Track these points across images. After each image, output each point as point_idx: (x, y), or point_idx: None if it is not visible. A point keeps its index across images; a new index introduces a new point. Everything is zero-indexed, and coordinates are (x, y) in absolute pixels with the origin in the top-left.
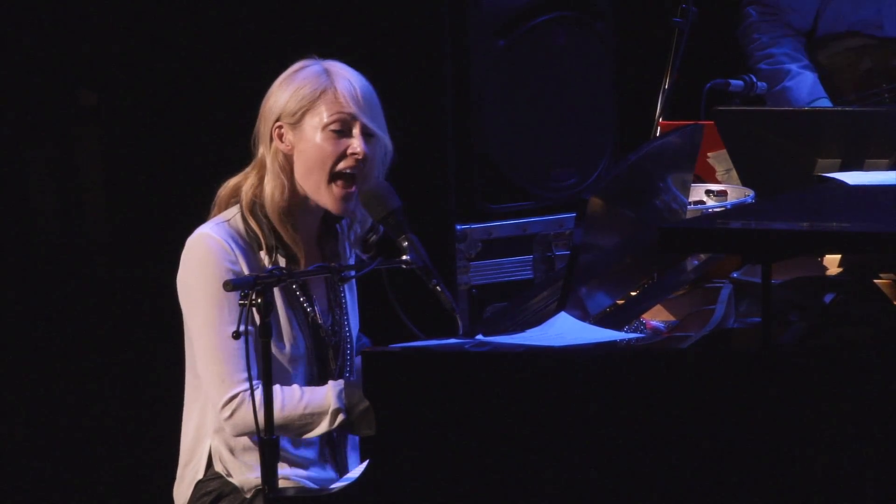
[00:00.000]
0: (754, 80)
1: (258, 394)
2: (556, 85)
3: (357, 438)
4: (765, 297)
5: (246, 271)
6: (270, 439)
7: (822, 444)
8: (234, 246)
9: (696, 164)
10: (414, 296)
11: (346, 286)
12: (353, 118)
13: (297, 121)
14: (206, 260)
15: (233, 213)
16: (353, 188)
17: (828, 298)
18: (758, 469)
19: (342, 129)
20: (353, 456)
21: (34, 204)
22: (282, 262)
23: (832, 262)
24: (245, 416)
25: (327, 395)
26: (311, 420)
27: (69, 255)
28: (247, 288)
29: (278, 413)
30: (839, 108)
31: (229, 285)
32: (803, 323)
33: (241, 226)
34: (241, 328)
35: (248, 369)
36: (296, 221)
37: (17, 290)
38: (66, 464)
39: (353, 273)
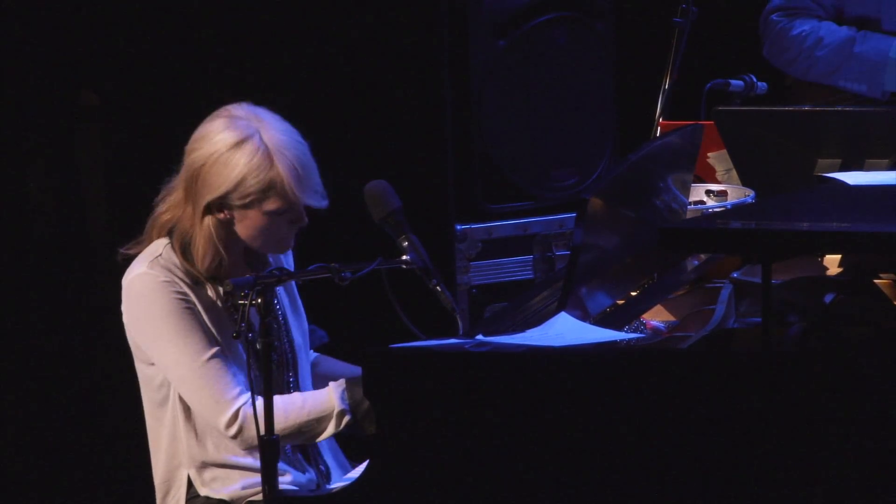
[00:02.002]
0: (754, 80)
1: (257, 404)
2: (556, 85)
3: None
4: (765, 297)
5: (193, 298)
6: (271, 439)
7: (822, 445)
8: (174, 278)
9: (696, 164)
10: (414, 296)
11: (281, 287)
12: (300, 201)
13: (243, 206)
14: (154, 296)
15: (160, 247)
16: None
17: (828, 298)
18: (758, 469)
19: (290, 212)
20: (328, 453)
21: (34, 204)
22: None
23: (832, 262)
24: (254, 430)
25: (329, 397)
26: (316, 425)
27: (69, 255)
28: (247, 288)
29: (283, 421)
30: (839, 108)
31: (230, 285)
32: (803, 323)
33: (174, 258)
34: (242, 328)
35: (250, 375)
36: (227, 258)
37: (17, 289)
38: (64, 464)
39: (350, 274)
